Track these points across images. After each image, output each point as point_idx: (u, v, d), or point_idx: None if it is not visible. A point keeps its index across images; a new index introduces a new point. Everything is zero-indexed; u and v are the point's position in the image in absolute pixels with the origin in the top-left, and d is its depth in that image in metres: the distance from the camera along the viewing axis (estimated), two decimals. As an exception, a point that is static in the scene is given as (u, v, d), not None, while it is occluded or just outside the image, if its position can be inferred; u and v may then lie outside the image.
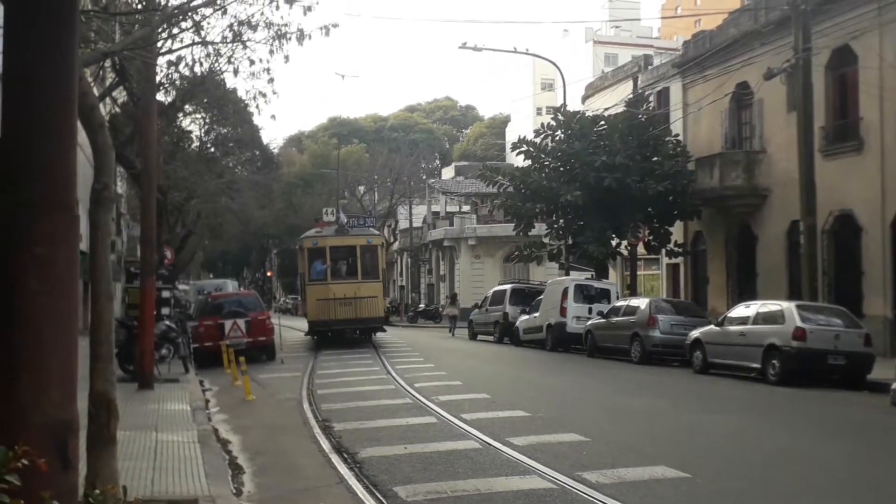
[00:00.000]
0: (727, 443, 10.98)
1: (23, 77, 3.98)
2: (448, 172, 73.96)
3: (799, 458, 10.14)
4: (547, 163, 31.07)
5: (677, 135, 30.89)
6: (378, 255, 29.30)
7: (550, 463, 9.21)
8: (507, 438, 10.58)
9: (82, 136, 6.32)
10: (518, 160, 36.22)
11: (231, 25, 11.19)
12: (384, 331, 30.15)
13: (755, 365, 18.40)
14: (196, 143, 33.76)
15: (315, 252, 28.74)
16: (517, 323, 31.17)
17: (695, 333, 20.87)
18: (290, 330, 36.79)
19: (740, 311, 20.27)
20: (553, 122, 31.32)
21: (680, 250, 30.38)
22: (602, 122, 30.65)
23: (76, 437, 4.09)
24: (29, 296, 3.85)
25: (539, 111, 79.72)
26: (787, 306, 18.70)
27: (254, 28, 11.18)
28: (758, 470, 9.37)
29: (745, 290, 27.72)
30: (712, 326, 20.56)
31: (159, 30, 10.76)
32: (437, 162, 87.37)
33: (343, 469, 9.31)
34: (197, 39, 11.67)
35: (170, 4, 10.99)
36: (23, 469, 3.19)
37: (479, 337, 34.85)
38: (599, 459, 9.50)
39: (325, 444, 10.70)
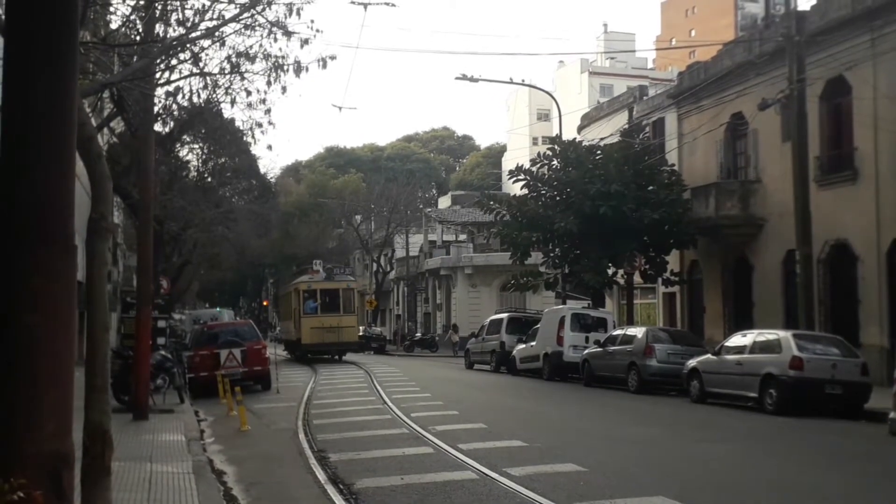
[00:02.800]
0: (725, 473, 10.93)
1: (21, 108, 4.01)
2: (445, 202, 74.12)
3: (797, 488, 10.09)
4: (543, 191, 31.18)
5: (672, 164, 31.04)
6: (353, 296, 40.26)
7: (548, 493, 9.16)
8: (504, 469, 10.53)
9: (80, 166, 6.35)
10: (514, 189, 36.35)
11: (229, 57, 11.29)
12: (357, 352, 40.74)
13: (752, 394, 18.36)
14: (193, 173, 33.86)
15: (309, 293, 38.34)
16: (514, 352, 31.10)
17: (692, 363, 20.84)
18: (287, 359, 36.70)
19: (737, 340, 20.26)
20: (549, 152, 31.48)
21: (676, 279, 30.40)
22: (598, 152, 30.80)
23: (71, 468, 4.07)
24: (25, 327, 3.84)
25: (535, 141, 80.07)
26: (784, 335, 18.70)
27: (252, 60, 11.28)
28: (756, 500, 9.33)
29: (741, 319, 27.71)
30: (709, 356, 20.53)
31: (158, 61, 10.85)
32: (434, 191, 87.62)
33: (339, 500, 9.25)
34: (195, 71, 11.76)
35: (168, 36, 11.09)
36: (18, 501, 3.18)
37: (476, 366, 34.75)
38: (597, 490, 9.45)
39: (321, 475, 10.63)
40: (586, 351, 26.25)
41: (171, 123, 22.42)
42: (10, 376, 3.84)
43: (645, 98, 35.98)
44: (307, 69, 11.31)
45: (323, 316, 37.40)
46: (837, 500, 9.59)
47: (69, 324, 4.01)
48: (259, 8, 10.39)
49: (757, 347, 19.00)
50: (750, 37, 29.13)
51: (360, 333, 45.41)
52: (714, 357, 20.12)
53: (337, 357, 38.32)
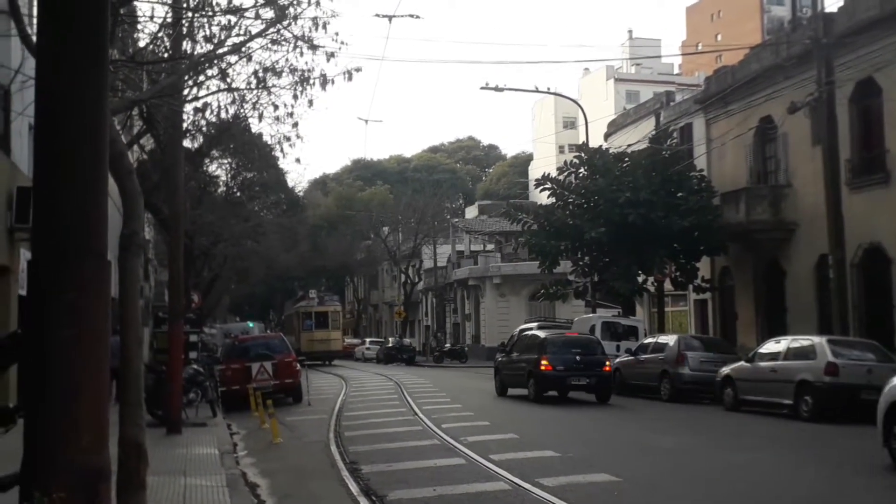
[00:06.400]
0: (761, 482, 10.79)
1: (54, 126, 4.05)
2: (472, 212, 74.11)
3: (836, 498, 9.94)
4: (571, 200, 31.07)
5: (701, 170, 30.82)
6: (339, 316, 54.51)
7: (581, 504, 9.09)
8: (536, 479, 10.47)
9: (110, 182, 6.41)
10: (541, 198, 36.27)
11: (256, 72, 11.39)
12: (341, 357, 52.89)
13: (787, 401, 18.14)
14: (222, 188, 34.15)
15: (306, 314, 52.30)
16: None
17: (725, 370, 20.64)
18: (317, 371, 36.89)
19: (771, 346, 20.05)
20: (576, 160, 31.39)
21: (707, 286, 30.14)
22: (625, 159, 30.67)
23: (108, 482, 4.09)
24: (60, 342, 3.87)
25: (561, 149, 79.93)
26: (819, 341, 18.47)
27: (278, 74, 11.36)
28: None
29: (774, 325, 27.41)
30: (742, 363, 20.33)
31: (186, 78, 10.95)
32: (461, 201, 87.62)
33: (372, 512, 9.25)
34: (223, 86, 11.87)
35: (196, 53, 11.19)
36: (56, 516, 3.19)
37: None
38: (631, 500, 9.37)
39: (354, 487, 10.62)
40: (617, 359, 26.08)
41: (200, 139, 22.65)
42: (46, 390, 3.87)
43: (672, 104, 35.79)
44: (333, 82, 11.39)
45: (316, 332, 50.79)
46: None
47: (103, 338, 4.04)
48: (285, 23, 10.47)
49: (791, 354, 18.78)
50: (777, 40, 28.87)
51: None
52: (748, 364, 19.92)
53: (327, 362, 49.21)
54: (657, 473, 11.30)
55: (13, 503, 3.61)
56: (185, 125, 17.54)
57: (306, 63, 11.29)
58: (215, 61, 11.08)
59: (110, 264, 4.15)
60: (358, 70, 11.63)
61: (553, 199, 31.50)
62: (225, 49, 10.71)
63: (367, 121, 66.54)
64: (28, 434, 3.90)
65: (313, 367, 42.08)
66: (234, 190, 34.85)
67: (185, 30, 11.62)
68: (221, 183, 34.13)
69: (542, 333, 25.06)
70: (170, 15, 11.40)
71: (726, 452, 13.39)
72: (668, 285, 30.73)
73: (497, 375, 25.62)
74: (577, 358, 22.31)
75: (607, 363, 22.80)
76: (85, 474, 3.85)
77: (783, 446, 14.19)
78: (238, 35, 10.56)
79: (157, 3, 10.61)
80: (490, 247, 60.04)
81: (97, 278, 4.01)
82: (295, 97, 11.53)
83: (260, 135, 25.80)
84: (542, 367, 22.02)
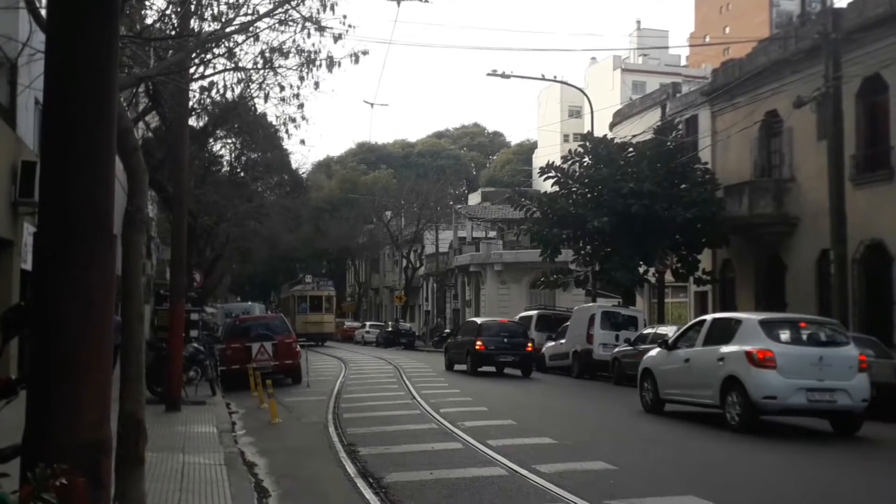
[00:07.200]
0: (758, 472, 10.84)
1: (63, 101, 4.06)
2: (475, 198, 74.06)
3: (833, 486, 9.99)
4: (574, 189, 31.07)
5: (706, 162, 30.79)
6: (333, 300, 56.43)
7: (578, 491, 9.14)
8: (533, 465, 10.52)
9: (115, 159, 6.41)
10: (545, 186, 36.25)
11: (263, 52, 11.35)
12: (334, 339, 56.34)
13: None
14: (226, 168, 34.15)
15: (302, 297, 54.50)
16: (543, 349, 31.04)
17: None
18: (317, 353, 36.96)
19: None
20: (581, 149, 31.35)
21: (708, 278, 30.17)
22: (630, 149, 30.64)
23: (109, 456, 4.12)
24: (65, 318, 3.89)
25: (566, 138, 79.77)
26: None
27: (285, 55, 11.32)
28: (791, 501, 9.24)
29: (774, 319, 27.39)
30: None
31: (193, 56, 10.93)
32: (464, 188, 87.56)
33: (368, 494, 9.28)
34: (229, 65, 11.84)
35: (203, 31, 11.17)
36: (60, 488, 3.22)
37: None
38: (627, 488, 9.41)
39: (351, 469, 10.68)
40: (616, 349, 26.13)
41: (206, 118, 22.62)
42: (51, 365, 3.90)
43: (678, 95, 35.71)
44: (340, 64, 11.35)
45: (311, 314, 53.17)
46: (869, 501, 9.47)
47: (108, 314, 4.05)
48: (293, 3, 10.44)
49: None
50: (785, 34, 28.80)
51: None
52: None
53: (320, 343, 51.43)
54: (653, 462, 11.35)
55: (14, 474, 3.64)
56: (190, 103, 17.51)
57: (313, 44, 11.33)
58: (222, 40, 11.04)
59: (116, 239, 4.17)
60: (365, 53, 11.61)
61: (556, 188, 31.50)
62: (232, 28, 10.68)
63: (372, 104, 66.40)
64: (30, 407, 3.93)
65: (308, 347, 42.69)
66: (238, 170, 34.84)
67: (192, 7, 11.59)
68: (225, 162, 34.14)
69: (479, 320, 30.87)
70: (178, -8, 11.39)
71: (724, 442, 13.43)
72: (668, 276, 30.75)
73: (446, 354, 30.75)
74: (505, 340, 27.70)
75: (529, 345, 28.02)
76: (87, 448, 3.88)
77: (782, 438, 14.22)
78: (246, 14, 10.54)
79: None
80: (492, 234, 60.06)
81: (103, 255, 4.03)
82: (301, 78, 11.51)
83: (265, 115, 25.80)
84: (477, 347, 27.41)
